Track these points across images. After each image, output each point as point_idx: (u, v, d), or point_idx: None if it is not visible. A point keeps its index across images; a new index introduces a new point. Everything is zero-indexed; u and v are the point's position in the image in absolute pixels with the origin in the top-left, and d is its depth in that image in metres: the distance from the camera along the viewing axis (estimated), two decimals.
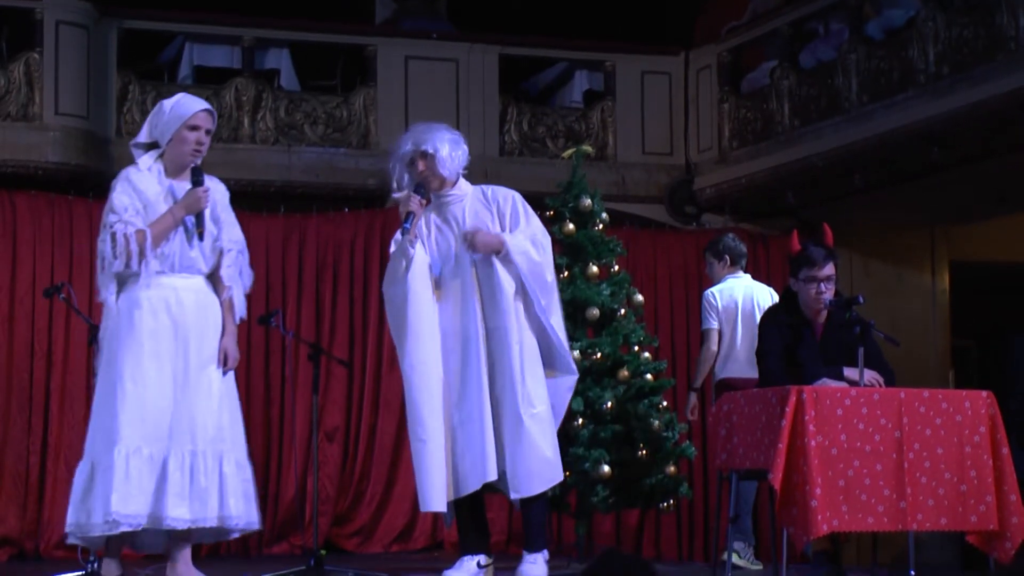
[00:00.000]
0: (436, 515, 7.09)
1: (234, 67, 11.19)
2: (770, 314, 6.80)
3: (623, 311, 8.34)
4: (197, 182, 6.00)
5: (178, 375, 5.89)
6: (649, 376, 8.24)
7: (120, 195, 5.94)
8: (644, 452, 8.09)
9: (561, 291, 7.07)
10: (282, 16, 11.52)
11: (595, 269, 8.30)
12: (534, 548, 6.37)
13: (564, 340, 6.45)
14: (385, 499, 10.69)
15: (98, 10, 10.61)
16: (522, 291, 6.32)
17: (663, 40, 12.23)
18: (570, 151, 8.66)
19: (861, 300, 6.51)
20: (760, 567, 8.27)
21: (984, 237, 12.44)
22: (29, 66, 10.35)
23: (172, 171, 6.05)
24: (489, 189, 6.50)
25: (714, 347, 8.38)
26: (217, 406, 5.96)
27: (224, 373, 6.01)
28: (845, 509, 6.01)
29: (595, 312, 8.18)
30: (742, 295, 8.41)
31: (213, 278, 6.10)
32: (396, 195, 6.47)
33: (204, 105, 6.07)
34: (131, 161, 6.19)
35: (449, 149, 6.36)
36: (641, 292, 8.59)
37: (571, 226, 8.30)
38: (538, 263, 6.32)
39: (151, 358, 5.85)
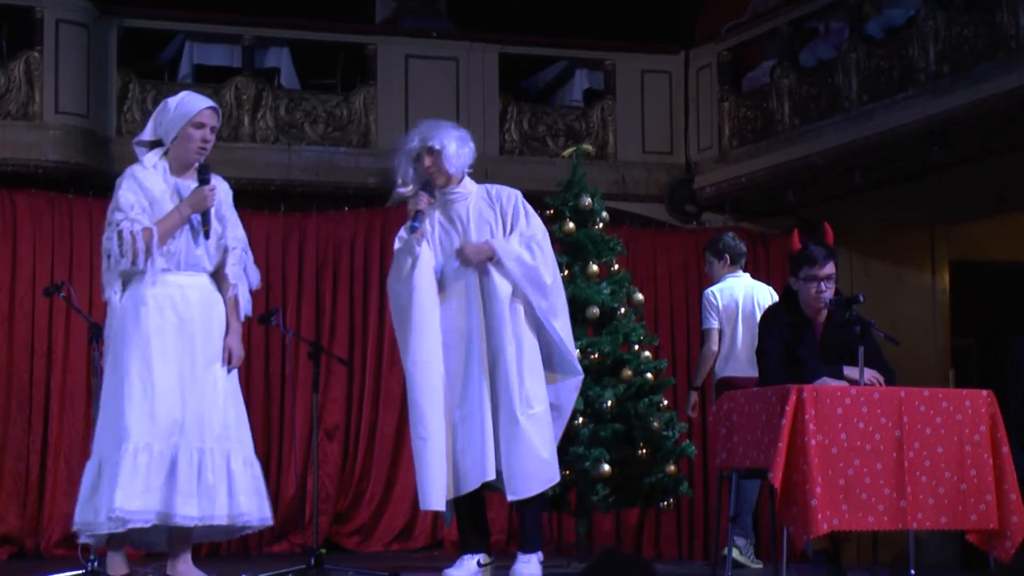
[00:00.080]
0: (436, 514, 7.08)
1: (234, 66, 11.20)
2: (770, 313, 6.80)
3: (623, 310, 8.34)
4: (203, 180, 6.00)
5: (185, 372, 5.89)
6: (649, 375, 8.24)
7: (126, 193, 5.94)
8: (644, 451, 8.08)
9: None
10: (282, 15, 11.52)
11: (595, 268, 8.30)
12: (529, 549, 6.36)
13: (568, 341, 6.42)
14: (385, 498, 10.70)
15: (98, 9, 10.61)
16: (521, 294, 6.32)
17: (663, 39, 12.23)
18: (570, 150, 8.66)
19: (861, 299, 6.51)
20: (760, 566, 8.27)
21: (984, 236, 12.43)
22: (29, 65, 10.35)
23: (177, 169, 6.05)
24: (493, 188, 6.49)
25: (715, 346, 8.38)
26: (223, 403, 5.96)
27: (229, 371, 6.01)
28: (845, 508, 6.01)
29: (595, 311, 8.18)
30: (742, 294, 8.41)
31: (216, 276, 6.10)
32: (401, 190, 6.45)
33: (209, 103, 6.07)
34: (132, 160, 6.19)
35: (456, 146, 6.36)
36: (641, 291, 8.58)
37: (571, 225, 8.29)
38: (532, 267, 6.31)
39: (158, 355, 5.84)
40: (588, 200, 8.33)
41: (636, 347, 8.29)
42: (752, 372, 7.44)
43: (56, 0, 10.39)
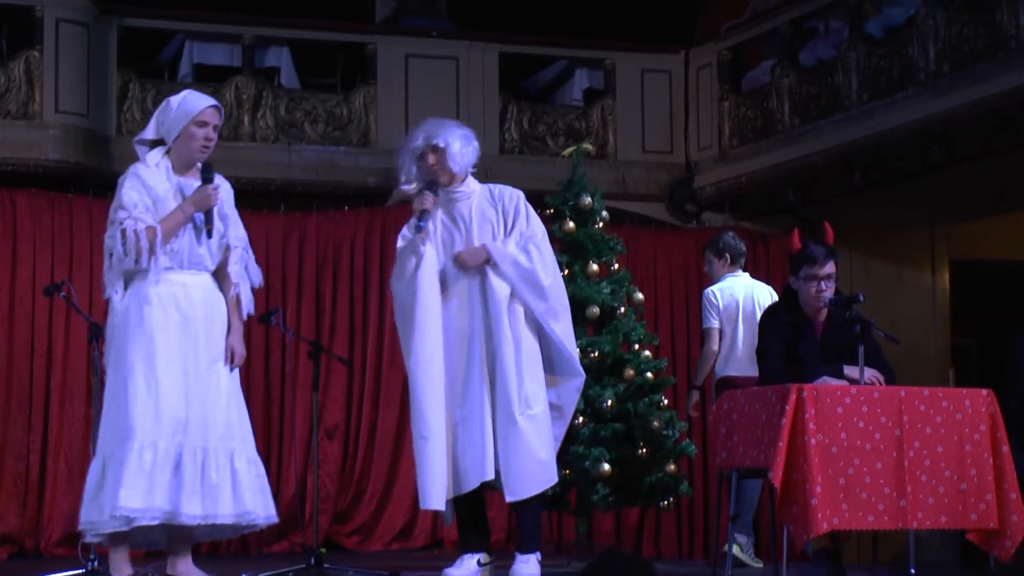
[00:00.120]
0: (436, 513, 7.08)
1: (234, 65, 11.20)
2: (770, 312, 6.80)
3: (623, 309, 8.34)
4: (207, 179, 6.00)
5: (188, 371, 5.88)
6: (649, 374, 8.24)
7: (129, 191, 5.93)
8: (644, 450, 8.08)
9: None
10: (282, 14, 11.52)
11: (595, 267, 8.30)
12: (527, 549, 6.34)
13: (570, 343, 6.40)
14: (385, 497, 10.70)
15: (98, 8, 10.61)
16: (520, 295, 6.32)
17: (663, 38, 12.23)
18: (570, 149, 8.66)
19: (861, 298, 6.50)
20: (760, 565, 8.27)
21: (984, 236, 12.44)
22: (29, 64, 10.35)
23: (179, 167, 6.04)
24: (496, 188, 6.49)
25: (715, 346, 8.37)
26: (226, 403, 5.96)
27: (231, 370, 6.01)
28: (845, 507, 6.00)
29: (595, 310, 8.18)
30: (743, 294, 8.41)
31: (218, 275, 6.10)
32: (404, 188, 6.45)
33: (212, 101, 6.07)
34: (132, 159, 6.19)
35: (460, 145, 6.36)
36: (641, 290, 8.58)
37: (571, 224, 8.29)
38: (528, 269, 6.29)
39: (162, 353, 5.83)
40: (588, 199, 8.33)
41: (636, 346, 8.30)
42: (752, 372, 7.44)
43: None
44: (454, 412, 6.25)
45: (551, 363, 6.39)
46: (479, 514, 6.44)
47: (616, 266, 8.44)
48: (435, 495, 6.17)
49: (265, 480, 6.07)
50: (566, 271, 8.11)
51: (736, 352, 8.33)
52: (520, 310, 6.30)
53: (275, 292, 10.54)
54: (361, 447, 10.73)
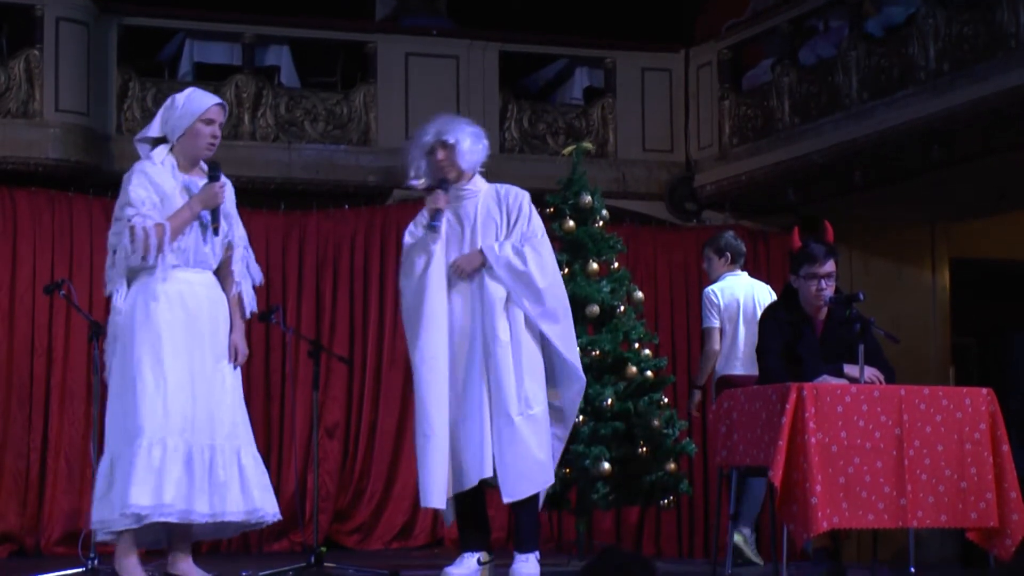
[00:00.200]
0: (436, 512, 7.08)
1: (234, 64, 11.19)
2: (770, 311, 6.79)
3: (623, 308, 8.34)
4: (214, 177, 6.00)
5: (195, 369, 5.87)
6: (649, 373, 8.24)
7: (137, 188, 5.91)
8: (644, 449, 8.08)
9: None
10: (282, 13, 11.52)
11: (595, 266, 8.30)
12: (526, 548, 6.33)
13: (569, 347, 6.37)
14: (385, 496, 10.70)
15: (98, 7, 10.61)
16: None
17: (663, 37, 12.23)
18: (570, 148, 8.66)
19: (861, 297, 6.50)
20: (761, 562, 8.26)
21: (984, 234, 12.45)
22: (29, 63, 10.35)
23: (184, 165, 6.04)
24: (503, 188, 6.48)
25: (716, 345, 8.36)
26: (231, 401, 5.96)
27: (234, 368, 6.01)
28: (845, 506, 6.00)
29: (595, 309, 8.18)
30: (743, 293, 8.40)
31: (219, 273, 6.10)
32: (413, 183, 6.45)
33: (218, 99, 6.07)
34: (132, 157, 6.19)
35: (470, 142, 6.37)
36: (641, 289, 8.59)
37: (571, 223, 8.29)
38: (523, 272, 6.27)
39: (169, 351, 5.82)
40: (588, 198, 8.33)
41: (636, 345, 8.30)
42: (752, 371, 7.44)
43: None
44: (455, 410, 6.25)
45: (552, 367, 6.39)
46: (479, 512, 6.44)
47: (616, 265, 8.44)
48: (436, 493, 6.17)
49: (267, 477, 6.07)
50: (566, 270, 8.11)
51: (737, 351, 8.33)
52: (520, 312, 6.30)
53: (275, 291, 10.54)
54: (361, 446, 10.73)
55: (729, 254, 8.57)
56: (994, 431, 6.28)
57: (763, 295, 8.37)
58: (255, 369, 10.34)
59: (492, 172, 6.61)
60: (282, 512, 6.13)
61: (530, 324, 6.31)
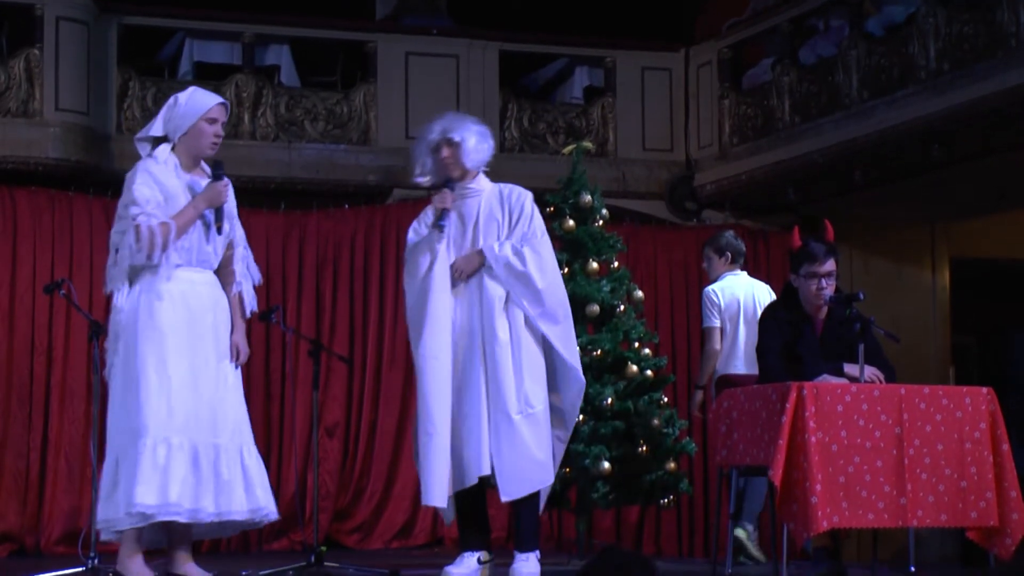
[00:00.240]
0: (436, 511, 7.08)
1: (234, 63, 11.19)
2: (770, 310, 6.79)
3: (623, 307, 8.34)
4: (217, 176, 6.00)
5: (198, 368, 5.88)
6: (649, 372, 8.24)
7: (141, 187, 5.91)
8: (644, 448, 8.08)
9: None
10: (282, 12, 11.52)
11: (595, 265, 8.30)
12: (526, 548, 6.33)
13: (569, 348, 6.37)
14: (385, 495, 10.70)
15: (98, 6, 10.61)
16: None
17: (664, 36, 12.23)
18: (570, 147, 8.66)
19: (861, 296, 6.50)
20: (764, 559, 8.25)
21: (984, 234, 12.44)
22: (29, 62, 10.35)
23: (186, 164, 6.05)
24: (507, 188, 6.48)
25: (717, 345, 8.35)
26: (234, 400, 5.97)
27: (236, 367, 6.02)
28: (845, 505, 6.00)
29: (595, 308, 8.18)
30: (743, 293, 8.40)
31: (219, 273, 6.10)
32: (419, 180, 6.46)
33: (220, 99, 6.09)
34: (132, 157, 6.19)
35: (476, 141, 6.37)
36: (641, 288, 8.58)
37: (571, 222, 8.29)
38: (522, 272, 6.28)
39: (172, 350, 5.83)
40: (588, 197, 8.33)
41: (636, 344, 8.30)
42: (753, 370, 7.43)
43: None
44: (456, 409, 6.25)
45: (552, 367, 6.38)
46: (479, 512, 6.44)
47: (616, 264, 8.44)
48: (437, 492, 6.17)
49: (267, 477, 6.08)
50: (566, 269, 8.11)
51: (737, 351, 8.33)
52: (520, 312, 6.30)
53: (275, 290, 10.55)
54: (361, 445, 10.73)
55: (729, 253, 8.57)
56: (994, 430, 6.28)
57: (763, 294, 8.37)
58: (255, 369, 10.34)
59: (492, 171, 6.62)
60: (282, 511, 6.15)
61: (531, 324, 6.31)
